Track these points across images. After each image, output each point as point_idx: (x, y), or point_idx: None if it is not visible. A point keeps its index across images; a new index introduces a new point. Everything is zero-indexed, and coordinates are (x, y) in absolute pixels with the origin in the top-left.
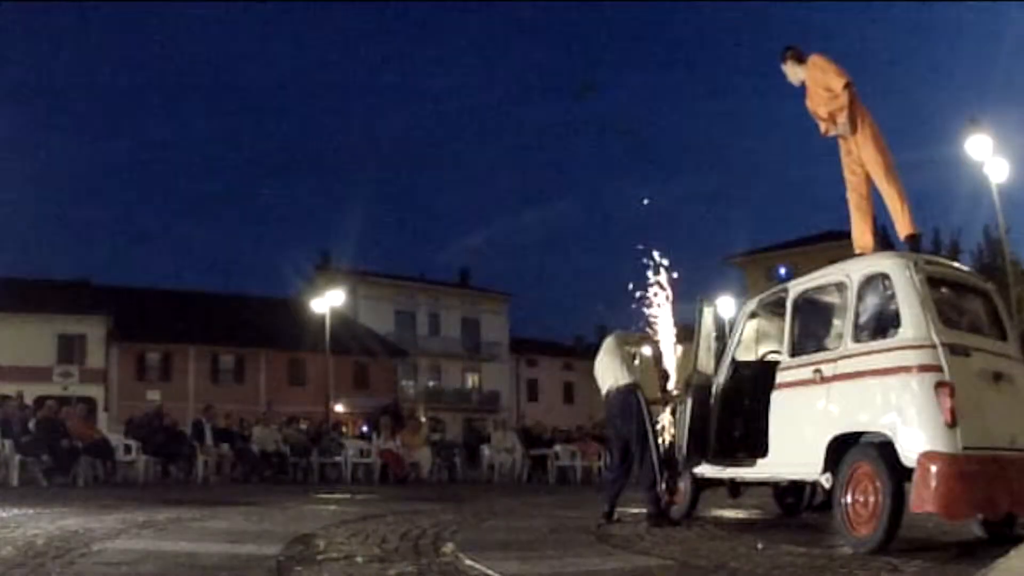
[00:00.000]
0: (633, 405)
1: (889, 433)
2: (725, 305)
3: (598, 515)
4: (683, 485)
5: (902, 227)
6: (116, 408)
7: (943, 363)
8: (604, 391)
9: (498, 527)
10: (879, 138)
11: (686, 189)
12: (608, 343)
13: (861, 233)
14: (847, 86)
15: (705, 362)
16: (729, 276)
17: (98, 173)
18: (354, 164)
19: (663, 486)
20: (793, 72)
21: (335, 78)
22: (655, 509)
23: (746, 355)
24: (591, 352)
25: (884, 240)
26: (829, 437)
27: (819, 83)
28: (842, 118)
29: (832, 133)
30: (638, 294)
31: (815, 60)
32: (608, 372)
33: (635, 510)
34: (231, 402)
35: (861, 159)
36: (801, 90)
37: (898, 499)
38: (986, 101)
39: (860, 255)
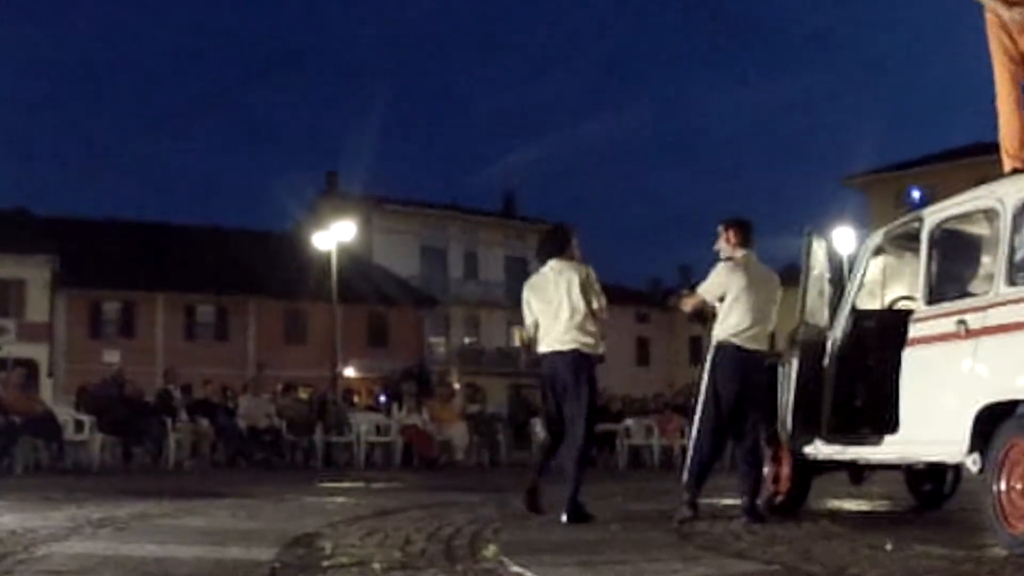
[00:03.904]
0: (767, 380)
1: None
2: (843, 238)
3: (681, 507)
4: (788, 469)
5: None
6: (63, 373)
7: None
8: (728, 338)
9: (553, 524)
10: None
11: (794, 91)
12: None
13: (1015, 135)
14: None
15: (816, 311)
16: (848, 201)
17: (38, 75)
18: (367, 61)
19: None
20: None
21: None
22: (751, 502)
23: (870, 302)
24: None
25: None
26: (977, 407)
27: None
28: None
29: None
30: None
31: None
32: (736, 314)
33: (728, 501)
34: (211, 365)
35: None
36: None
37: None
38: None
39: (1014, 171)
